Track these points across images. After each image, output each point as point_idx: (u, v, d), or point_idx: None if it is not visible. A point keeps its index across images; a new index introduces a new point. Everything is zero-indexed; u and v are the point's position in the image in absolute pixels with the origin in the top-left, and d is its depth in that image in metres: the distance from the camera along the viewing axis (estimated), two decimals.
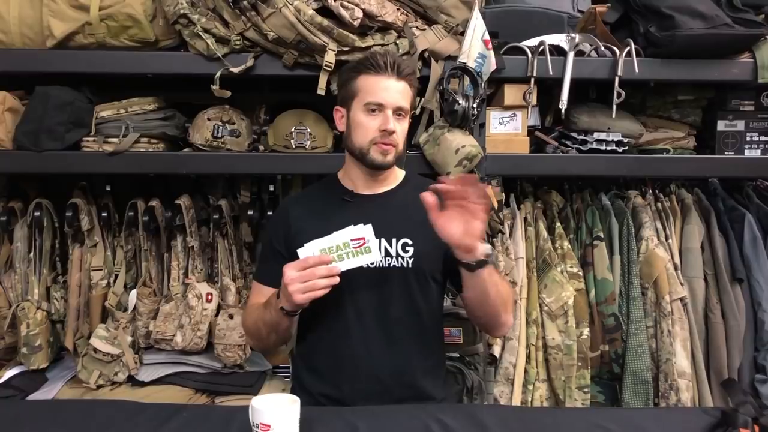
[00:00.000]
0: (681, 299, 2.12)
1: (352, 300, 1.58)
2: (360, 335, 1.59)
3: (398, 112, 1.60)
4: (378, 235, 1.57)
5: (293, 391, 1.69)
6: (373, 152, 1.59)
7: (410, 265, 1.60)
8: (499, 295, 1.55)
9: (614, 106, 2.08)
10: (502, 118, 2.12)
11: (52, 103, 2.05)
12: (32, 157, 2.06)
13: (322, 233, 1.58)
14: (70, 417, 1.45)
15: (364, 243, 1.44)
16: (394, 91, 1.58)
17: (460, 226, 1.40)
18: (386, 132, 1.57)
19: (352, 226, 1.45)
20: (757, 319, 2.16)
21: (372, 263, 1.47)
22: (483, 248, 1.44)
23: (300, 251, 1.45)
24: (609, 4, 2.18)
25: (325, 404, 1.60)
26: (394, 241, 1.60)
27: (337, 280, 1.43)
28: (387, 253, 1.59)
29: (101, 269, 2.24)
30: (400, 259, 1.59)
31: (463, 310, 2.05)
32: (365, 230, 1.44)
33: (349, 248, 1.44)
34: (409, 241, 1.60)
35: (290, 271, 1.43)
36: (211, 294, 2.19)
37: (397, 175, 1.74)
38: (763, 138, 2.26)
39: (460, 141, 1.99)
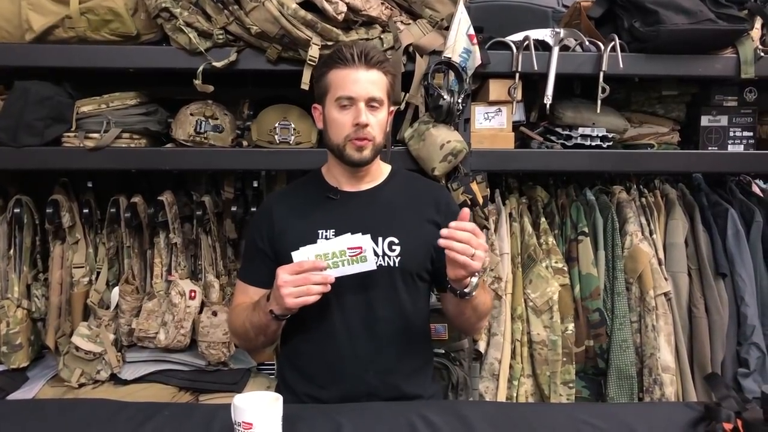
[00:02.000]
0: (665, 294, 2.13)
1: (338, 300, 1.56)
2: (345, 336, 1.57)
3: (371, 103, 1.55)
4: (364, 234, 1.56)
5: (278, 390, 1.68)
6: (349, 149, 1.56)
7: (396, 265, 1.57)
8: (475, 313, 1.59)
9: (599, 102, 2.08)
10: (487, 113, 2.12)
11: (31, 98, 2.02)
12: (11, 153, 2.03)
13: (306, 232, 1.58)
14: (51, 416, 1.44)
15: (360, 252, 1.42)
16: (364, 82, 1.54)
17: (459, 265, 1.40)
18: (359, 126, 1.53)
19: (350, 234, 1.43)
20: (740, 313, 2.18)
21: (367, 272, 1.46)
22: (473, 283, 1.46)
23: (294, 255, 1.42)
24: None
25: (309, 404, 1.58)
26: (380, 240, 1.57)
27: (329, 288, 1.42)
28: (374, 253, 1.56)
29: (83, 266, 2.22)
30: (386, 258, 1.57)
31: None
32: (363, 240, 1.42)
33: (345, 256, 1.42)
34: (396, 240, 1.58)
35: (284, 274, 1.40)
36: (195, 291, 2.17)
37: (382, 170, 1.71)
38: (746, 133, 2.27)
39: (445, 136, 1.98)
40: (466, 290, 1.47)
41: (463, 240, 1.36)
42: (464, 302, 1.51)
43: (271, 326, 1.52)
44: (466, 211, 1.43)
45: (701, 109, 2.27)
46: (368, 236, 1.43)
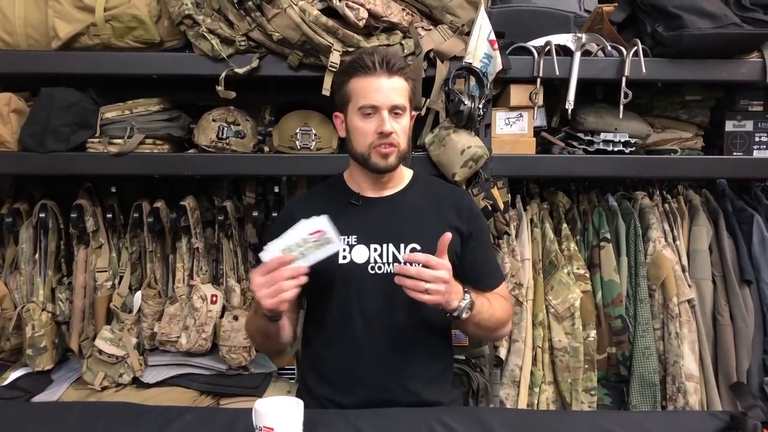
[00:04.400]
0: (689, 301, 2.11)
1: (360, 307, 1.56)
2: (367, 342, 1.56)
3: (395, 110, 1.55)
4: (385, 240, 1.57)
5: (299, 395, 1.67)
6: (374, 157, 1.56)
7: None
8: (480, 330, 1.61)
9: (621, 107, 2.06)
10: (508, 118, 2.11)
11: (57, 104, 2.05)
12: (37, 158, 2.07)
13: None
14: (75, 418, 1.45)
15: (322, 234, 1.40)
16: (387, 89, 1.53)
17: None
18: (383, 134, 1.53)
19: (304, 219, 1.41)
20: (765, 321, 2.15)
21: (336, 252, 1.47)
22: (461, 306, 1.46)
23: (261, 255, 1.41)
24: (616, 4, 2.17)
25: (330, 409, 1.58)
26: (402, 246, 1.57)
27: (303, 279, 1.39)
28: (395, 259, 1.57)
29: (106, 271, 2.24)
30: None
31: None
32: (320, 222, 1.40)
33: (309, 243, 1.39)
34: (418, 246, 1.57)
35: (255, 277, 1.39)
36: (216, 295, 2.18)
37: (404, 175, 1.71)
38: None
39: (466, 142, 1.98)
40: (454, 314, 1.47)
41: (413, 275, 1.37)
42: (462, 321, 1.50)
43: (270, 329, 1.52)
44: (445, 238, 1.43)
45: (726, 114, 2.24)
46: (324, 217, 1.40)
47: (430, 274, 1.38)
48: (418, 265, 1.39)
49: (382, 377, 1.57)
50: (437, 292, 1.39)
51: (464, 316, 1.48)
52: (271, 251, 1.40)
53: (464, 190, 1.98)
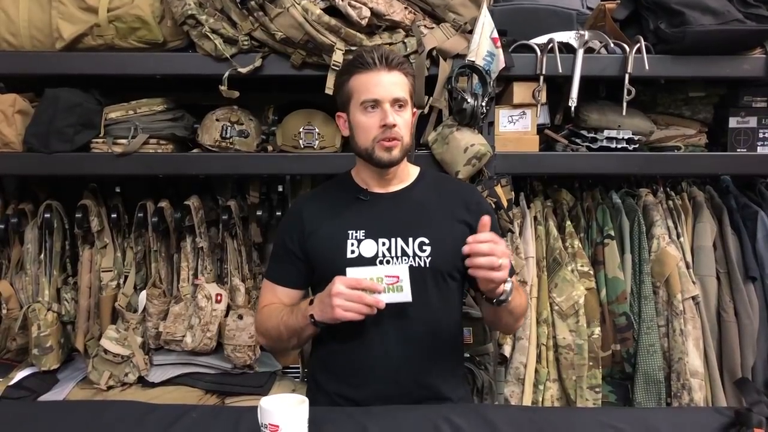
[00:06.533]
0: (693, 298, 2.11)
1: None
2: (377, 336, 1.56)
3: (397, 103, 1.56)
4: (394, 235, 1.58)
5: (309, 392, 1.68)
6: (378, 151, 1.56)
7: (427, 265, 1.58)
8: (512, 316, 1.61)
9: (624, 104, 2.06)
10: (511, 116, 2.11)
11: (61, 105, 2.06)
12: (42, 158, 2.07)
13: (337, 232, 1.60)
14: (81, 418, 1.46)
15: (397, 281, 1.44)
16: (387, 83, 1.55)
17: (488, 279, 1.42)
18: (387, 127, 1.54)
19: (388, 264, 1.48)
20: None
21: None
22: (507, 289, 1.48)
23: (350, 271, 1.44)
24: (618, 1, 2.17)
25: (342, 404, 1.58)
26: (410, 240, 1.58)
27: (375, 311, 1.42)
28: (404, 253, 1.57)
29: (111, 270, 2.25)
30: (417, 258, 1.57)
31: (473, 310, 2.06)
32: (401, 270, 1.45)
33: (382, 284, 1.43)
34: (426, 240, 1.58)
35: (341, 285, 1.42)
36: (221, 295, 2.19)
37: (411, 171, 1.71)
38: None
39: (469, 140, 1.98)
40: (501, 298, 1.48)
41: (486, 252, 1.38)
42: (501, 309, 1.52)
43: (307, 330, 1.54)
44: (485, 218, 1.44)
45: (729, 111, 2.24)
46: (406, 267, 1.46)
47: (501, 249, 1.40)
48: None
49: (392, 372, 1.57)
50: (506, 266, 1.41)
51: (510, 299, 1.50)
52: (360, 273, 1.44)
53: (473, 185, 1.98)
